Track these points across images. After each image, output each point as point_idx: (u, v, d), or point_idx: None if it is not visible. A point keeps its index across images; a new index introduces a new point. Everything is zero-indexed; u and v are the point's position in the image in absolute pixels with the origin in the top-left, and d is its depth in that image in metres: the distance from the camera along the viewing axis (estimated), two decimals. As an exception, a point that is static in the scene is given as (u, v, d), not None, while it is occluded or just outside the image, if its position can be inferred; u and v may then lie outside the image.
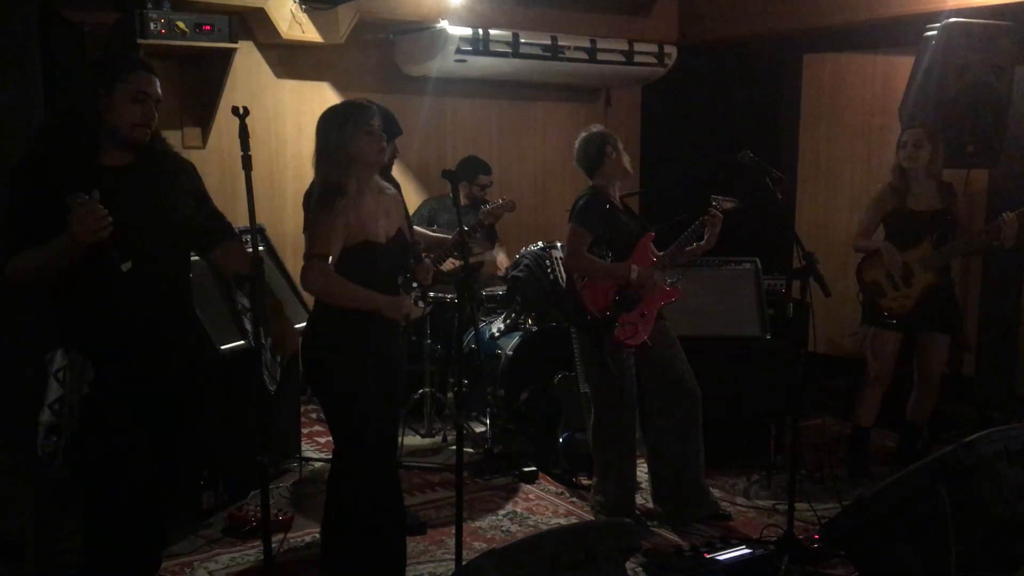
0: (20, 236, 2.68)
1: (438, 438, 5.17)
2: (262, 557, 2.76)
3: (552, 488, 4.53)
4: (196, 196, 2.98)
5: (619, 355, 3.93)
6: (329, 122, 3.10)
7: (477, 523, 4.10)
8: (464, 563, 3.08)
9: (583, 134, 4.08)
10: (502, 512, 4.24)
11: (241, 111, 2.62)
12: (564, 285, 4.07)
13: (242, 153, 2.66)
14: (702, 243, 3.95)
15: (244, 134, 2.66)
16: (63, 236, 2.59)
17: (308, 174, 3.22)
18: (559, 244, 5.08)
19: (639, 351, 3.98)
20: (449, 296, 4.93)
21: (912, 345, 4.55)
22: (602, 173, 4.01)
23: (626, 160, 4.05)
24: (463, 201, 5.62)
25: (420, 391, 5.17)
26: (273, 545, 2.84)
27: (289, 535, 3.87)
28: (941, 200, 4.42)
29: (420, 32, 5.77)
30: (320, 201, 3.03)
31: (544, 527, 4.06)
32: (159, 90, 2.83)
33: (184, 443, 3.19)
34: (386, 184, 3.30)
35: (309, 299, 3.57)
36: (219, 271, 3.36)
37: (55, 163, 2.69)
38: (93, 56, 4.60)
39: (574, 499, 4.38)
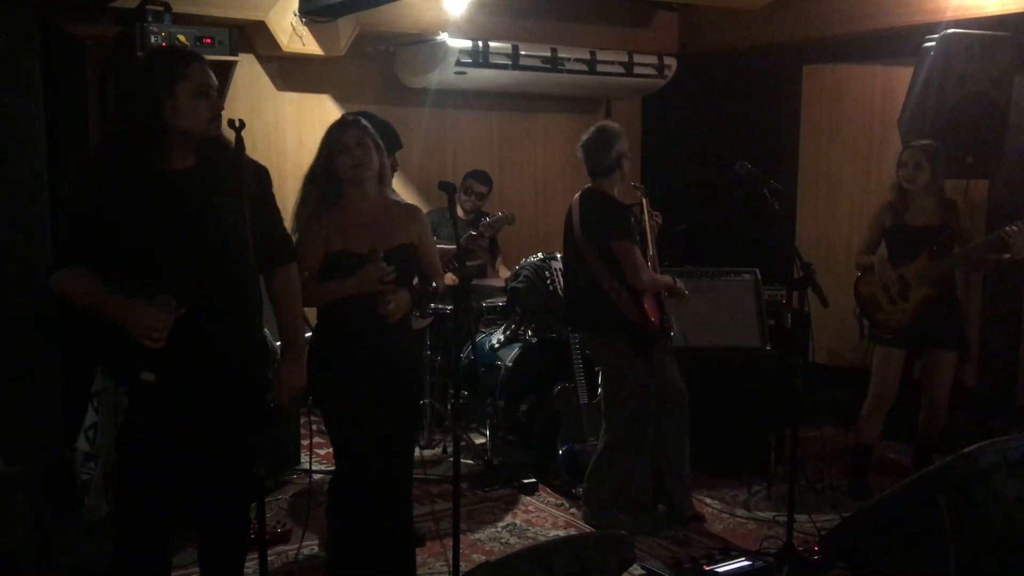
0: (71, 238, 2.56)
1: (438, 449, 5.16)
2: (259, 570, 2.75)
3: (552, 500, 4.52)
4: (257, 206, 2.67)
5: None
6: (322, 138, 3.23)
7: (476, 535, 4.09)
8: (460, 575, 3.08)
9: (605, 129, 3.99)
10: (501, 524, 4.23)
11: (237, 124, 2.61)
12: (614, 299, 3.96)
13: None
14: None
15: (240, 147, 2.65)
16: (120, 306, 2.47)
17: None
18: (558, 255, 5.08)
19: None
20: (448, 308, 4.93)
21: (914, 362, 4.48)
22: (609, 180, 4.01)
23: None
24: (465, 215, 5.64)
25: (419, 402, 5.16)
26: (270, 558, 2.82)
27: (287, 547, 3.86)
28: (941, 215, 4.36)
29: (420, 44, 5.79)
30: (294, 214, 3.21)
31: (543, 539, 4.05)
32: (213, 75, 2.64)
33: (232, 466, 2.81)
34: (396, 200, 3.30)
35: (311, 312, 3.57)
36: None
37: (114, 165, 2.54)
38: (101, 65, 4.60)
39: (574, 510, 4.36)
